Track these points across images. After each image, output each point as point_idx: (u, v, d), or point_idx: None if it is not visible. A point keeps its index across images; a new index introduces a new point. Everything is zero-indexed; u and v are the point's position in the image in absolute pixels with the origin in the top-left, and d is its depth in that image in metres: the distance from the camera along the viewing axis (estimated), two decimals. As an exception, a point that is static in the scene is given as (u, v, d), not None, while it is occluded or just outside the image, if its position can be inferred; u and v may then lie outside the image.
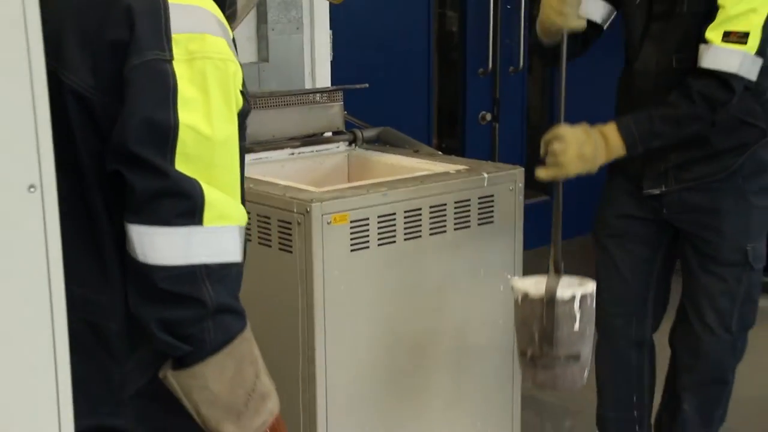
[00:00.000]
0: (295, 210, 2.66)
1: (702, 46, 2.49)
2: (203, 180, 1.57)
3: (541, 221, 4.12)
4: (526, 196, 3.13)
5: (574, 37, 2.62)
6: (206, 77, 1.58)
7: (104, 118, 1.60)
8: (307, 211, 2.60)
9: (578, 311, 2.44)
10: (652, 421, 3.05)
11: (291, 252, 2.67)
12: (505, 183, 3.05)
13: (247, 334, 1.68)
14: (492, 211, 3.02)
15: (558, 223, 2.61)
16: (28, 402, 1.31)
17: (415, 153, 3.34)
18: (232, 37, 1.68)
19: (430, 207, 2.88)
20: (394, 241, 2.81)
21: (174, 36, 1.57)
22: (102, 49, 1.59)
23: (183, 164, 1.56)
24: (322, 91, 3.47)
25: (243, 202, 1.74)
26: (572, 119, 2.62)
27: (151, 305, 1.60)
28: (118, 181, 1.59)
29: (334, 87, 3.54)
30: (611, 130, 2.56)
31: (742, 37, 2.42)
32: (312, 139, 3.35)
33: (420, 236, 2.87)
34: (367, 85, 3.55)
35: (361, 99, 3.59)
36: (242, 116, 1.67)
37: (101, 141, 1.60)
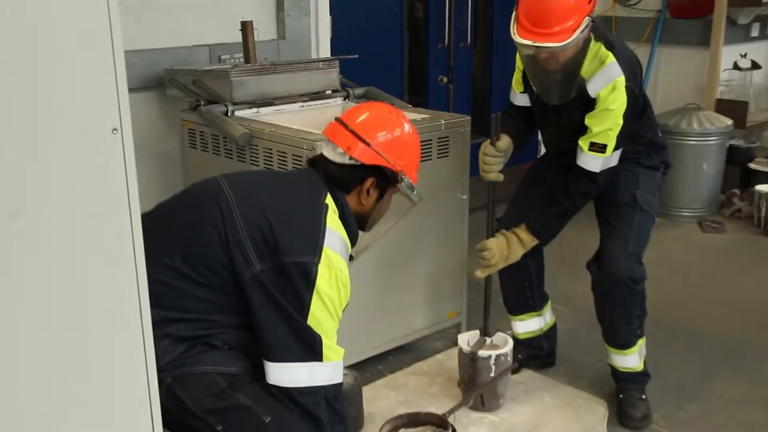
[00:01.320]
0: (304, 147, 2.64)
1: (578, 148, 2.57)
2: (321, 333, 1.83)
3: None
4: (471, 138, 3.12)
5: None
6: (328, 280, 1.83)
7: (231, 244, 1.82)
8: (313, 148, 2.59)
9: (493, 365, 2.70)
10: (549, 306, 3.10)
11: (302, 177, 2.66)
12: (457, 128, 3.04)
13: None
14: (447, 148, 3.02)
15: (488, 308, 2.81)
16: (114, 315, 1.30)
17: (392, 106, 3.32)
18: (350, 252, 2.00)
19: (403, 145, 2.87)
20: (377, 170, 2.80)
21: (324, 248, 1.83)
22: (269, 233, 1.83)
23: (312, 323, 1.81)
24: (323, 60, 3.42)
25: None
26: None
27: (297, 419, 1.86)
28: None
29: (333, 57, 3.50)
30: (523, 232, 2.70)
31: (601, 148, 2.53)
32: (316, 95, 3.32)
33: (395, 166, 2.87)
34: (356, 56, 3.51)
35: (352, 66, 3.55)
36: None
37: (228, 268, 1.83)
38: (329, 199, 1.95)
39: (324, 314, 1.82)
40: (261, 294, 1.80)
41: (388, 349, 3.09)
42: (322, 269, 1.81)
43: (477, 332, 2.81)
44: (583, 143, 2.54)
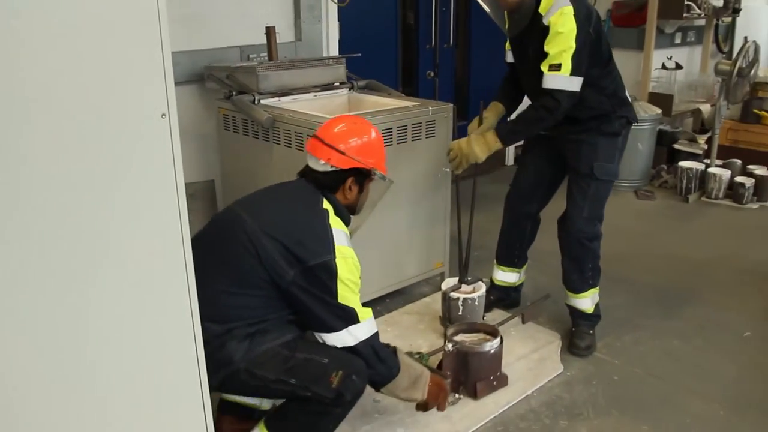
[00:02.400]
0: (316, 129, 2.59)
1: (543, 74, 2.48)
2: (351, 305, 1.90)
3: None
4: (454, 121, 3.07)
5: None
6: (346, 268, 1.88)
7: (266, 262, 1.86)
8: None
9: (461, 306, 2.68)
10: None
11: (316, 154, 2.62)
12: (442, 113, 3.00)
13: (401, 367, 2.04)
14: (434, 130, 2.98)
15: (466, 261, 2.77)
16: (162, 295, 1.29)
17: (389, 95, 3.27)
18: (349, 239, 1.98)
19: (397, 126, 2.83)
20: (377, 148, 2.76)
21: (335, 245, 1.87)
22: (291, 246, 1.86)
23: (342, 301, 1.88)
24: (332, 58, 3.36)
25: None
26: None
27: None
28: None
29: (340, 55, 3.44)
30: (490, 133, 2.57)
31: (558, 67, 2.43)
32: (327, 86, 3.27)
33: (392, 144, 2.82)
34: (360, 54, 3.47)
35: (356, 63, 3.49)
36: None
37: (263, 270, 1.86)
38: (326, 204, 1.98)
39: (348, 293, 1.90)
40: (301, 291, 1.86)
41: (385, 293, 3.07)
42: (339, 262, 1.87)
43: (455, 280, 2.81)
44: (544, 66, 2.46)
